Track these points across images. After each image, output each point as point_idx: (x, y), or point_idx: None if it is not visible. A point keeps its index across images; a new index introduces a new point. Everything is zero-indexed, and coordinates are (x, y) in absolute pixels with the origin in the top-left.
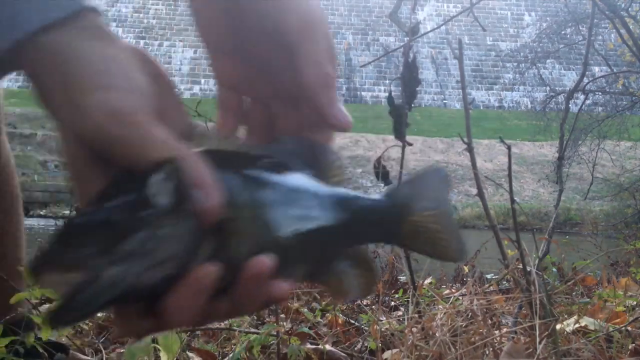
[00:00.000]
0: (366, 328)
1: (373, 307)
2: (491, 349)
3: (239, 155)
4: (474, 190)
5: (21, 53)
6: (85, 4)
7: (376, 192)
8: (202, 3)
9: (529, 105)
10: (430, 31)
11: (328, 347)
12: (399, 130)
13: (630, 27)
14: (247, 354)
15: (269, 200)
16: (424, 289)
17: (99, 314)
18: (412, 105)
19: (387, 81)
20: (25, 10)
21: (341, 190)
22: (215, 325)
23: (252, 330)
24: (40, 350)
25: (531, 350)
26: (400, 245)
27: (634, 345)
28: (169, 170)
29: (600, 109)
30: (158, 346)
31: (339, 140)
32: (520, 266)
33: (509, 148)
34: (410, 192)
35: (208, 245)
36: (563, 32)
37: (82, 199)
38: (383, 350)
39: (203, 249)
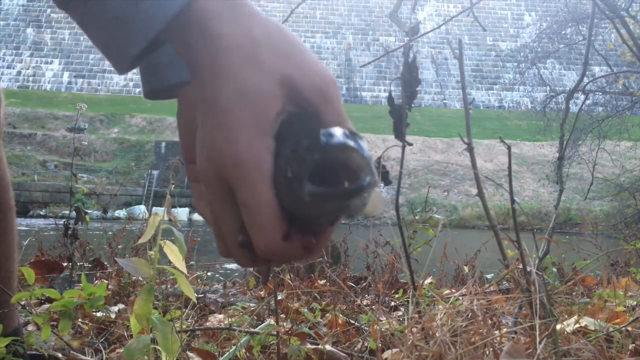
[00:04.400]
0: (366, 328)
1: (373, 307)
2: (491, 349)
3: None
4: (474, 190)
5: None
6: None
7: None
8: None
9: (529, 105)
10: (430, 31)
11: (328, 347)
12: (399, 130)
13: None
14: (247, 354)
15: None
16: (424, 289)
17: None
18: (412, 105)
19: (387, 81)
20: None
21: None
22: (215, 325)
23: (252, 330)
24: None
25: (531, 350)
26: None
27: (634, 345)
28: None
29: (600, 109)
30: (158, 347)
31: None
32: (520, 266)
33: (509, 148)
34: None
35: None
36: (563, 32)
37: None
38: (383, 350)
39: None
